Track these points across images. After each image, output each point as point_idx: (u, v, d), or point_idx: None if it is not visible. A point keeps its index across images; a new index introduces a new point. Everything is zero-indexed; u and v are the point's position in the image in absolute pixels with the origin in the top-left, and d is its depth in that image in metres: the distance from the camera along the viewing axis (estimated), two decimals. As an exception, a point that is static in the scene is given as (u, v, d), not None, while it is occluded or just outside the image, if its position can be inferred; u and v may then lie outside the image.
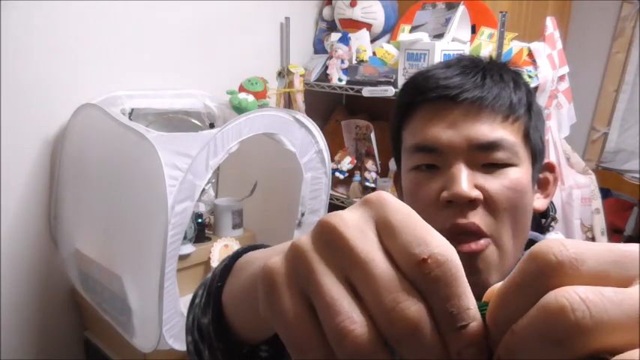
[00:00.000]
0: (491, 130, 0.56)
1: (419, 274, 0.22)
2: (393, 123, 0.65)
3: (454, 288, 0.21)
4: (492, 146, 0.56)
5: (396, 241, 0.23)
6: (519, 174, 0.57)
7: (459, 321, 0.21)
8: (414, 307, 0.21)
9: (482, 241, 0.54)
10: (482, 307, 0.22)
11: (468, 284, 0.22)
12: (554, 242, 0.20)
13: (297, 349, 0.23)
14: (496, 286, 0.22)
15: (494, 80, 0.58)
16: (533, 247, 0.20)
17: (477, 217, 0.55)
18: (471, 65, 0.60)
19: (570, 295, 0.18)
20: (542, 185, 0.65)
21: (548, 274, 0.19)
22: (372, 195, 0.25)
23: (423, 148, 0.58)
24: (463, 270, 0.22)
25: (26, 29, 1.40)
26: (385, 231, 0.23)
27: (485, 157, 0.56)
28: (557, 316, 0.18)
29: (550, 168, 0.66)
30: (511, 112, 0.58)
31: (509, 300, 0.21)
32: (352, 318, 0.22)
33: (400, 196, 0.65)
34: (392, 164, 1.87)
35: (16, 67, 1.40)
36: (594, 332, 0.18)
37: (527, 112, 0.60)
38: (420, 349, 0.21)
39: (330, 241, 0.24)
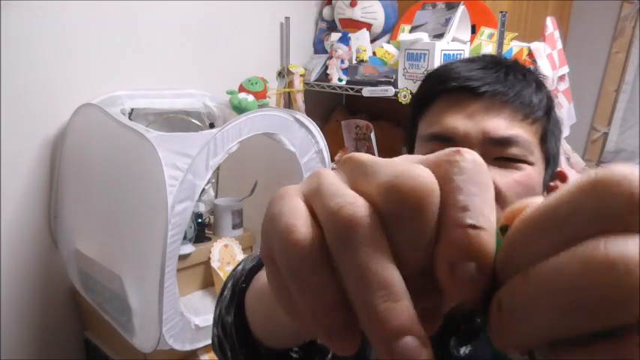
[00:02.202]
0: (508, 126, 0.56)
1: (444, 159, 0.18)
2: (410, 112, 0.65)
3: (477, 186, 0.17)
4: (508, 142, 0.55)
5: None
6: (532, 171, 0.56)
7: (469, 217, 0.16)
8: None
9: None
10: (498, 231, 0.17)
11: (494, 200, 0.17)
12: (630, 171, 0.14)
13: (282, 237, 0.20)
14: (521, 205, 0.17)
15: (517, 78, 0.58)
16: (599, 172, 0.15)
17: None
18: (494, 61, 0.60)
19: (630, 252, 0.13)
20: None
21: (612, 215, 0.14)
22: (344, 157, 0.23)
23: (439, 137, 0.58)
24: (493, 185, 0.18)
25: (26, 29, 1.40)
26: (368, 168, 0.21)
27: (499, 152, 0.56)
28: (600, 277, 0.13)
29: (562, 177, 0.65)
30: (531, 111, 0.57)
31: (541, 233, 0.15)
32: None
33: None
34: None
35: (16, 67, 1.39)
36: None
37: (546, 115, 0.59)
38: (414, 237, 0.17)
39: (311, 182, 0.22)
